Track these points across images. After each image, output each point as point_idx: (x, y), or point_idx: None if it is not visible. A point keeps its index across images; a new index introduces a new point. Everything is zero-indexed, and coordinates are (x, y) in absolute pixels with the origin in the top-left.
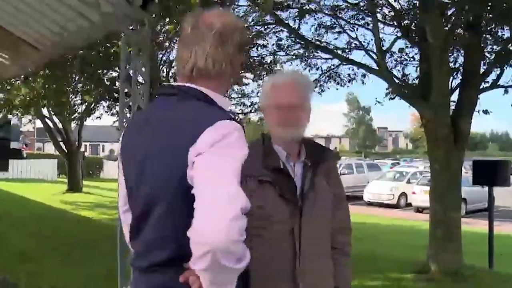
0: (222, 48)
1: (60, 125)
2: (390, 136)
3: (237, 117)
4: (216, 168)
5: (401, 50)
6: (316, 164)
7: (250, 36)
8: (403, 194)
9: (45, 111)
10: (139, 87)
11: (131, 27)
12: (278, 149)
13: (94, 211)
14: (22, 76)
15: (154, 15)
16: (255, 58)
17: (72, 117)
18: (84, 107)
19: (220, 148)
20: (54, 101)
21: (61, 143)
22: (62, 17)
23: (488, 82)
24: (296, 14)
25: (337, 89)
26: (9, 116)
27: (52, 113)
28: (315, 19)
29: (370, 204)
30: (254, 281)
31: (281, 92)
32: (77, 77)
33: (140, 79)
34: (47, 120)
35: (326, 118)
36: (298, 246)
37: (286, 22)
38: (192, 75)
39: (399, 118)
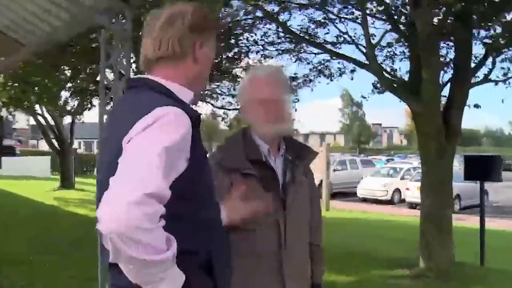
0: (167, 30)
1: (52, 122)
2: (384, 132)
3: (194, 106)
4: (135, 152)
5: (389, 45)
6: (296, 159)
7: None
8: (397, 190)
9: (38, 108)
10: (121, 80)
11: (113, 21)
12: (261, 143)
13: (85, 208)
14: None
15: (137, 9)
16: (242, 51)
17: (63, 113)
18: (76, 103)
19: (147, 133)
20: (43, 96)
21: (54, 140)
22: (45, 12)
23: (478, 77)
24: (280, 7)
25: (327, 83)
26: (1, 113)
27: (44, 110)
28: (305, 15)
29: (364, 200)
30: (240, 273)
31: (265, 86)
32: (66, 71)
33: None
34: (39, 117)
35: (321, 114)
36: (284, 238)
37: (273, 15)
38: (147, 66)
39: (393, 114)
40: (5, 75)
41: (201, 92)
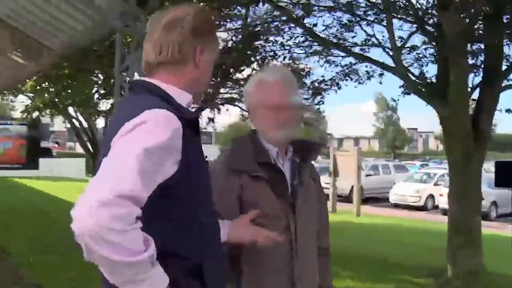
0: (168, 35)
1: (86, 125)
2: (420, 137)
3: (192, 109)
4: (114, 154)
5: (414, 47)
6: (304, 160)
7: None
8: (430, 196)
9: (72, 112)
10: None
11: (128, 24)
12: (269, 147)
13: None
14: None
15: (152, 12)
16: (268, 54)
17: (95, 116)
18: (109, 106)
19: (130, 134)
20: (75, 99)
21: (87, 143)
22: (69, 17)
23: (511, 79)
24: (304, 12)
25: (355, 87)
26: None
27: (78, 113)
28: (333, 17)
29: (396, 206)
30: (252, 278)
31: (273, 92)
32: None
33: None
34: (73, 120)
35: (356, 118)
36: (295, 242)
37: (298, 18)
38: (148, 70)
39: (430, 119)
40: (39, 79)
41: (205, 95)
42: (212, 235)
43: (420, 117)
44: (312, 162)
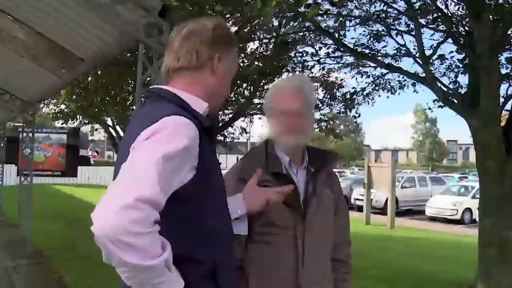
0: (186, 43)
1: (122, 134)
2: (460, 149)
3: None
4: (134, 159)
5: (441, 57)
6: (319, 170)
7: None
8: (468, 210)
9: (109, 121)
10: None
11: (151, 35)
12: (281, 155)
13: None
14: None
15: (172, 24)
16: (298, 65)
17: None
18: None
19: (149, 141)
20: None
21: None
22: (98, 29)
23: None
24: (337, 24)
25: (387, 97)
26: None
27: (115, 122)
28: (364, 28)
29: (433, 219)
30: (257, 285)
31: (287, 98)
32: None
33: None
34: (111, 129)
35: (395, 130)
36: (302, 253)
37: (329, 31)
38: (166, 78)
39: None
40: (73, 88)
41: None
42: (225, 241)
43: (462, 129)
44: (336, 172)
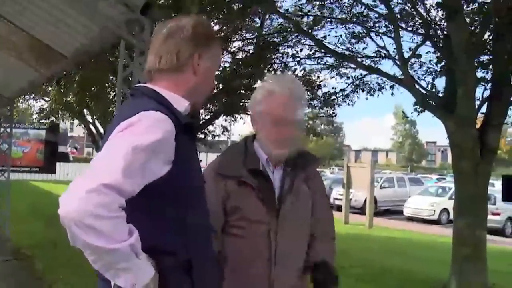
0: (166, 44)
1: (102, 131)
2: (438, 151)
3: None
4: (104, 150)
5: (418, 56)
6: (296, 169)
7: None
8: (445, 210)
9: (89, 117)
10: None
11: (133, 33)
12: (259, 152)
13: None
14: (55, 81)
15: (154, 20)
16: (279, 66)
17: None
18: None
19: (122, 133)
20: (91, 104)
21: None
22: (80, 25)
23: None
24: (313, 23)
25: (366, 98)
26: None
27: (95, 119)
28: (344, 29)
29: (410, 219)
30: (230, 281)
31: (280, 104)
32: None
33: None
34: (91, 125)
35: (375, 131)
36: (274, 248)
37: (308, 30)
38: (149, 78)
39: None
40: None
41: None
42: (202, 234)
43: (440, 131)
44: (319, 174)
